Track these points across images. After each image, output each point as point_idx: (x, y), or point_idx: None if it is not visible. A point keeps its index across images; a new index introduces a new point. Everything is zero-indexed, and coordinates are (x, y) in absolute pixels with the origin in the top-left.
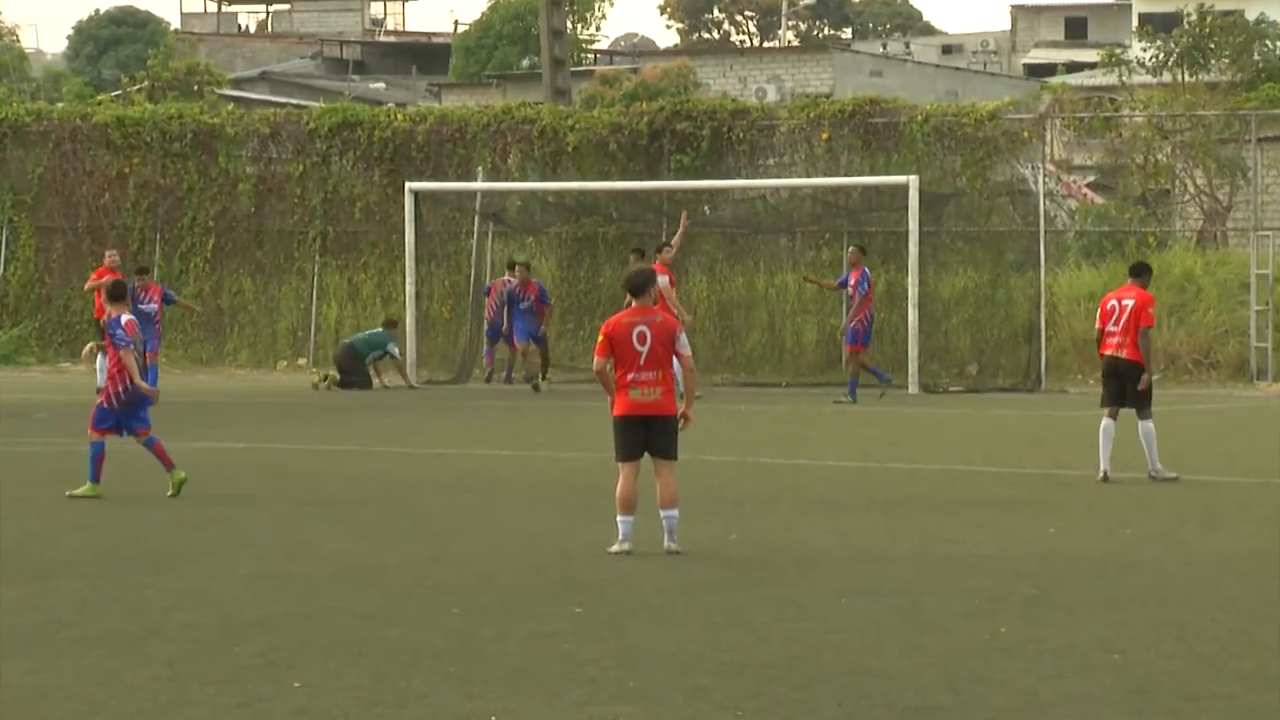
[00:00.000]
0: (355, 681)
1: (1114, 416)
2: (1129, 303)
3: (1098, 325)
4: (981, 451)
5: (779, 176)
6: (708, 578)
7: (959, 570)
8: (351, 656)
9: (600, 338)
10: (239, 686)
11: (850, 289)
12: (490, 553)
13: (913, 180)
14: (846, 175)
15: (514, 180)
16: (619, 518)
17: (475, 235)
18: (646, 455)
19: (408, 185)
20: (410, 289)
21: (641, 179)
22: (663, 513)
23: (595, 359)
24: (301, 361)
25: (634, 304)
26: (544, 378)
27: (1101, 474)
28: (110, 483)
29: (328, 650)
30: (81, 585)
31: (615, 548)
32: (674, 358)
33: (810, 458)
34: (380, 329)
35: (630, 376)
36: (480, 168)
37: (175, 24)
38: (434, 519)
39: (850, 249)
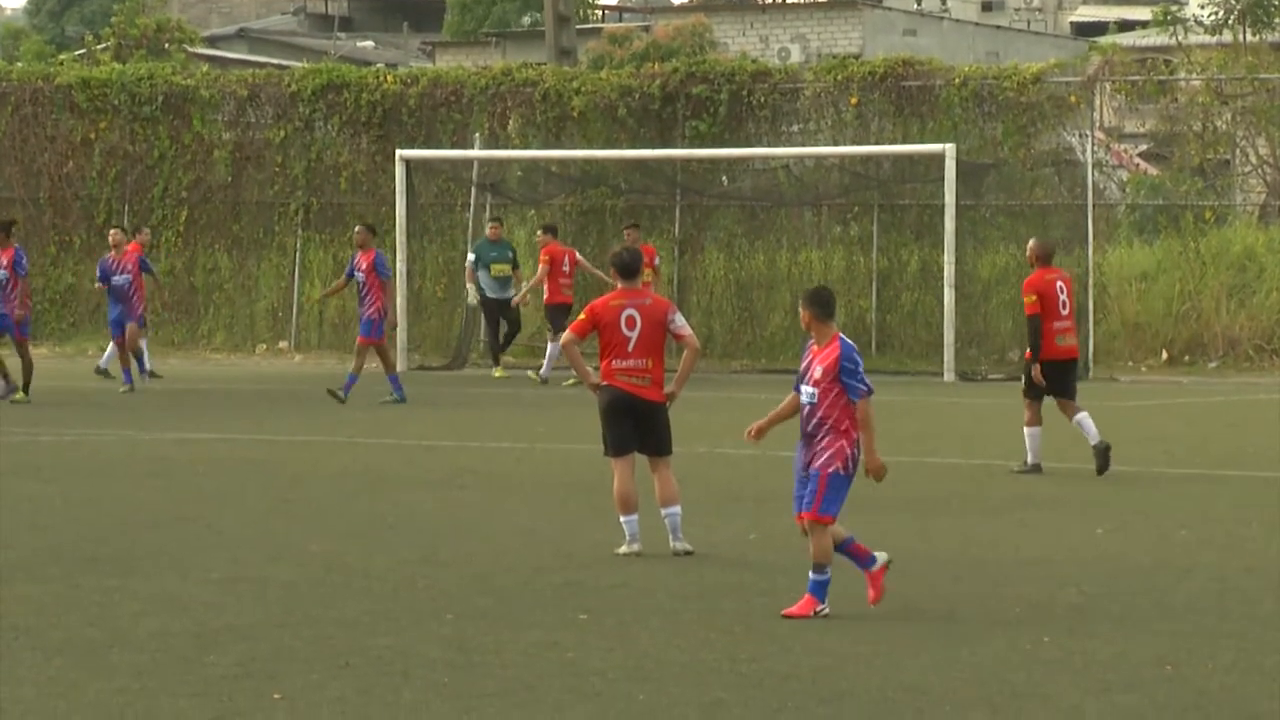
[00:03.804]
0: (340, 694)
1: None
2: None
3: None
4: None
5: (803, 145)
6: (725, 582)
7: (998, 576)
8: (336, 667)
9: (581, 315)
10: (214, 699)
11: (362, 275)
12: (487, 554)
13: (949, 149)
14: (877, 143)
15: (514, 148)
16: (622, 518)
17: (471, 208)
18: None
19: (398, 153)
20: (401, 266)
21: (653, 147)
22: (664, 511)
23: (567, 333)
24: (282, 345)
25: (621, 286)
26: (23, 390)
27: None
28: (71, 479)
29: (310, 660)
30: (40, 589)
31: (624, 549)
32: (664, 345)
33: None
34: None
35: (616, 364)
36: (477, 134)
37: None
38: (426, 517)
39: (357, 228)
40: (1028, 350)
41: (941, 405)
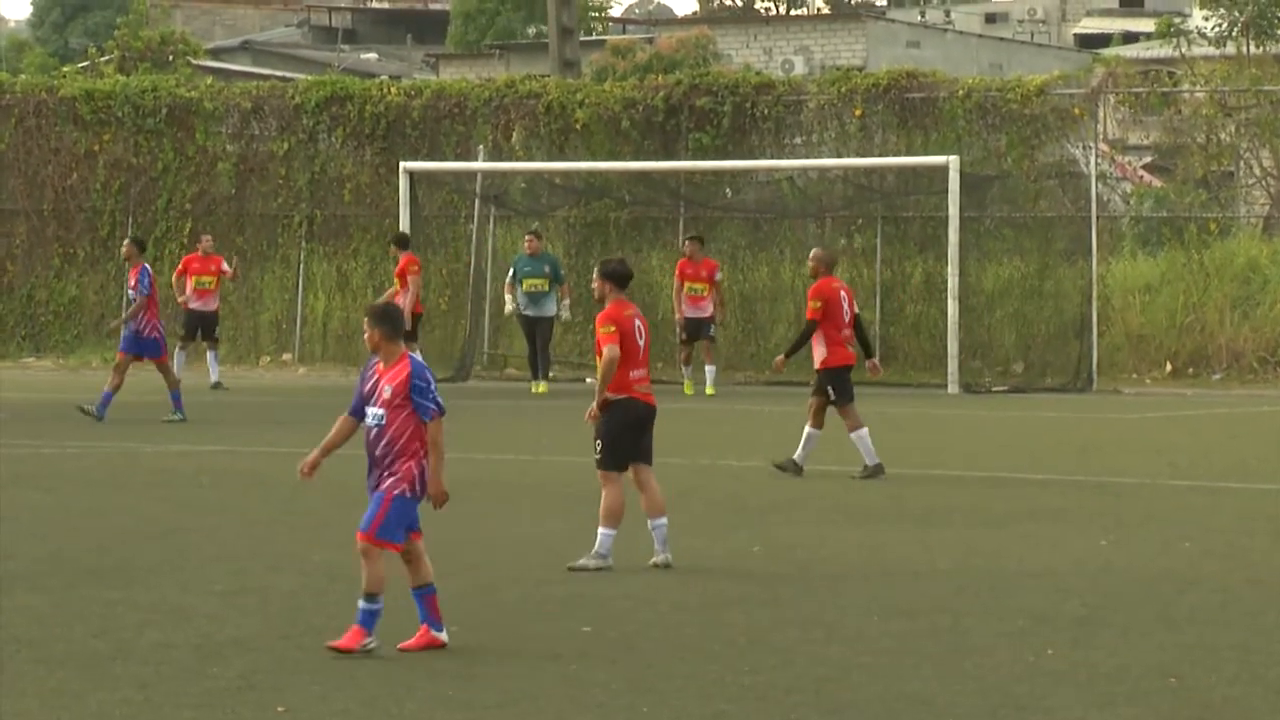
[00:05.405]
0: (344, 706)
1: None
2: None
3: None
4: (1027, 457)
5: (807, 156)
6: (728, 594)
7: (1002, 587)
8: (340, 679)
9: (611, 328)
10: (217, 711)
11: (131, 291)
12: (490, 565)
13: (953, 161)
14: (880, 155)
15: (517, 160)
16: (608, 531)
17: (475, 220)
18: None
19: (402, 165)
20: None
21: (656, 159)
22: (655, 522)
23: (611, 347)
24: (286, 357)
25: (619, 297)
26: None
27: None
28: (74, 490)
29: (314, 672)
30: (43, 600)
31: (593, 564)
32: None
33: (841, 464)
34: None
35: (634, 374)
36: (481, 146)
37: None
38: (430, 529)
39: (125, 242)
40: (785, 353)
41: (945, 417)
